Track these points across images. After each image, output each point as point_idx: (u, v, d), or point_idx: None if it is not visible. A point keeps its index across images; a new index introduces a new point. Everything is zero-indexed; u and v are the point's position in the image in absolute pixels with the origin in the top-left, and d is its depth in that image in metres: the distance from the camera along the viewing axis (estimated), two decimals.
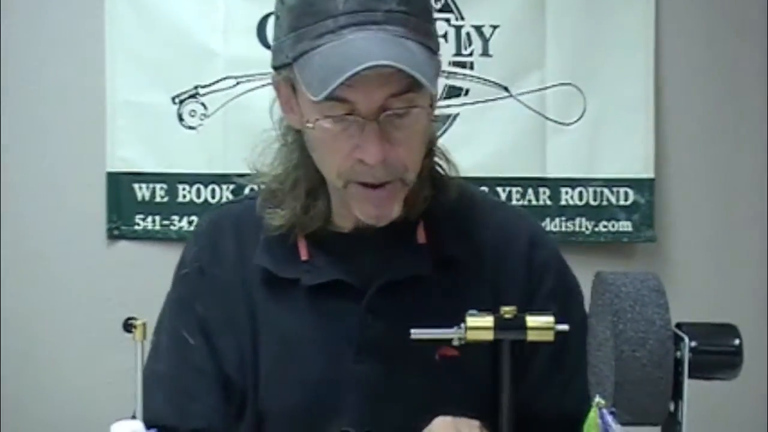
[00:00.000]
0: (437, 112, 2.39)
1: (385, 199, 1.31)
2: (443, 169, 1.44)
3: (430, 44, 1.29)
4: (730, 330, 1.12)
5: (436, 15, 2.52)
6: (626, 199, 2.58)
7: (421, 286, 1.36)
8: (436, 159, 1.44)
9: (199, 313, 1.36)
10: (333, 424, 1.31)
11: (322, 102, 1.23)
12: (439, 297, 1.36)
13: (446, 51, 2.56)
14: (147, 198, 2.54)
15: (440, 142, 1.48)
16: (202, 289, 1.40)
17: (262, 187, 1.40)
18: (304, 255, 1.37)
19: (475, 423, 1.13)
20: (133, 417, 1.12)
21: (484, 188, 2.55)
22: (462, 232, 1.41)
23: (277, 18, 1.32)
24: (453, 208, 1.42)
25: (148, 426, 1.10)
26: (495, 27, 2.57)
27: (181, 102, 2.50)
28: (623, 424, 1.07)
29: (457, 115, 2.57)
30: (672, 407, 1.09)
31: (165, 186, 2.53)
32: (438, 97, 1.40)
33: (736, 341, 1.11)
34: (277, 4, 1.31)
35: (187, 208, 2.49)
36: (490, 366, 1.33)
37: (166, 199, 2.54)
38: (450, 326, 1.28)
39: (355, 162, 1.27)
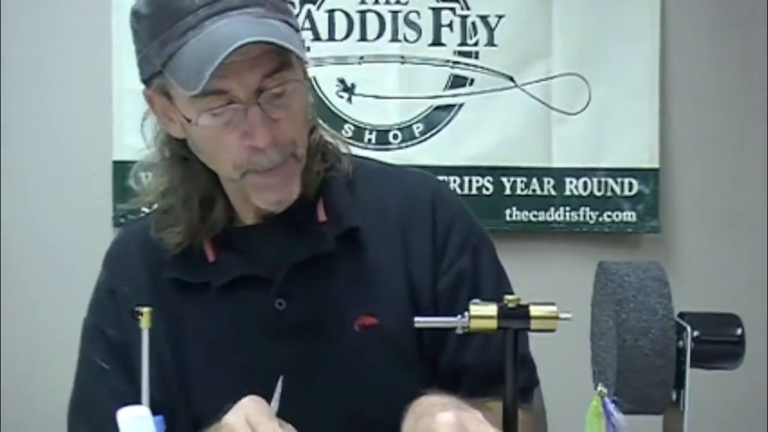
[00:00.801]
0: (444, 102, 2.43)
1: (283, 181, 1.32)
2: (332, 146, 1.45)
3: (290, 21, 1.30)
4: (733, 320, 1.12)
5: (443, 4, 2.54)
6: (631, 190, 2.58)
7: (328, 262, 1.37)
8: (323, 134, 1.44)
9: (112, 337, 1.37)
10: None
11: (200, 98, 1.24)
12: (345, 268, 1.38)
13: (451, 40, 2.56)
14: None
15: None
16: (114, 311, 1.41)
17: (153, 207, 1.42)
18: (211, 257, 1.39)
19: (480, 416, 1.14)
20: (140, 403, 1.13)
21: (489, 178, 2.56)
22: (362, 203, 1.42)
23: (135, 32, 1.34)
24: (350, 182, 1.43)
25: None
26: (500, 17, 2.57)
27: None
28: (625, 412, 1.07)
29: (462, 104, 2.57)
30: (674, 396, 1.10)
31: None
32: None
33: (739, 331, 1.11)
34: (131, 18, 1.34)
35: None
36: (413, 332, 1.34)
37: None
38: (365, 297, 1.33)
39: (248, 151, 1.28)
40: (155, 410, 1.19)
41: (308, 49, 1.36)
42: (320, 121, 1.45)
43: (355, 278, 1.38)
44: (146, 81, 1.35)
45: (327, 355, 1.19)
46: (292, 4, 1.37)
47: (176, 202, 1.38)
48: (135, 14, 1.32)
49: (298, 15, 2.39)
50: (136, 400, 1.30)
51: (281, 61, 1.26)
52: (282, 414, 1.25)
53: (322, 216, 1.40)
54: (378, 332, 1.31)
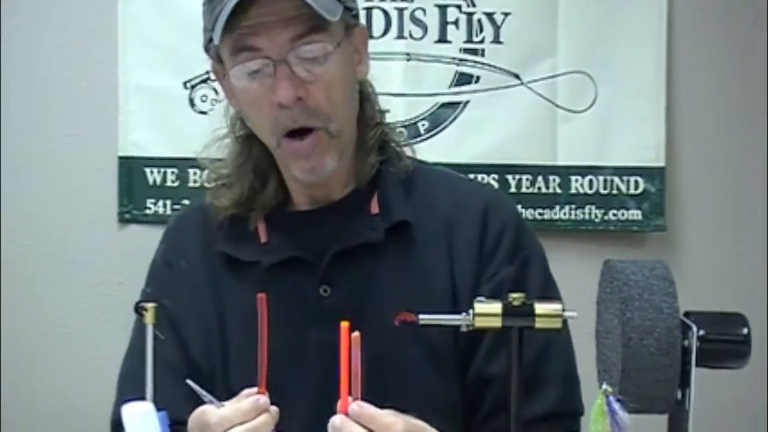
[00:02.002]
0: (449, 99, 2.41)
1: (313, 149, 1.35)
2: (395, 143, 1.48)
3: None
4: (739, 319, 1.12)
5: (449, 2, 2.54)
6: (636, 188, 2.58)
7: (374, 253, 1.39)
8: (389, 133, 1.48)
9: (167, 307, 1.38)
10: (299, 396, 1.34)
11: (236, 56, 1.31)
12: (392, 262, 1.39)
13: (457, 38, 2.56)
14: (158, 182, 2.55)
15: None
16: (169, 283, 1.45)
17: (212, 175, 1.46)
18: (263, 238, 1.43)
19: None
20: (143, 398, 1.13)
21: (494, 175, 2.56)
22: (415, 200, 1.44)
23: (203, 7, 1.37)
24: (407, 180, 1.45)
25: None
26: (506, 14, 2.57)
27: (193, 87, 2.51)
28: (630, 411, 1.07)
29: (467, 102, 2.57)
30: (679, 395, 1.10)
31: (176, 170, 2.54)
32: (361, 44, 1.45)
33: (744, 330, 1.11)
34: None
35: (198, 192, 2.48)
36: (451, 334, 1.36)
37: (177, 184, 2.55)
38: (408, 293, 1.33)
39: (276, 110, 1.32)
40: (202, 381, 1.21)
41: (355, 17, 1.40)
42: (388, 122, 1.49)
43: (400, 273, 1.39)
44: (206, 48, 1.39)
45: (363, 347, 1.18)
46: None
47: (232, 171, 1.44)
48: None
49: None
50: (187, 368, 1.38)
51: (313, 24, 1.29)
52: (309, 400, 1.30)
53: (375, 209, 1.41)
54: (416, 330, 1.29)
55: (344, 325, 1.16)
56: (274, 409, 1.19)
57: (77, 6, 2.54)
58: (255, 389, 1.20)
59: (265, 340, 1.21)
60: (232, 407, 1.17)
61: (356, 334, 1.15)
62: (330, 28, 1.31)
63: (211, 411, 1.17)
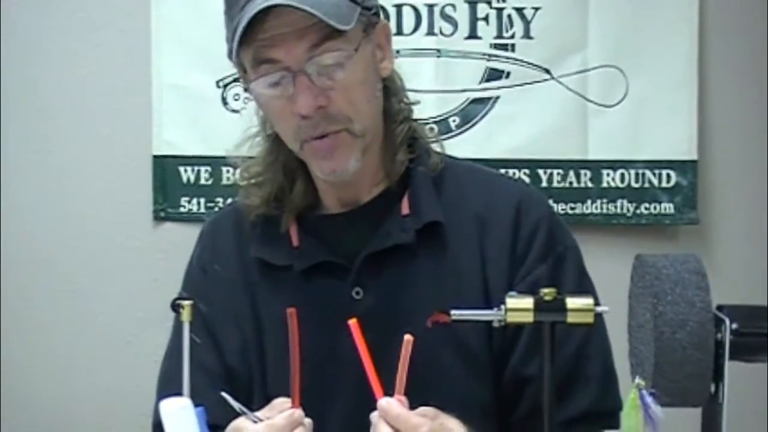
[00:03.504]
0: (480, 95, 2.41)
1: (334, 149, 1.34)
2: (423, 140, 1.47)
3: None
4: None
5: None
6: (668, 181, 2.57)
7: (406, 254, 1.38)
8: (417, 129, 1.46)
9: (203, 312, 1.38)
10: (336, 398, 1.34)
11: (257, 68, 1.31)
12: (424, 264, 1.38)
13: (487, 33, 2.56)
14: (192, 180, 2.57)
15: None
16: (205, 287, 1.44)
17: (245, 174, 1.46)
18: (295, 242, 1.42)
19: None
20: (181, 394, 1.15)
21: (526, 170, 2.55)
22: (445, 200, 1.42)
23: (225, 16, 1.37)
24: (437, 179, 1.44)
25: None
26: (536, 9, 2.56)
27: (225, 86, 2.53)
28: (663, 405, 1.07)
29: (498, 97, 2.57)
30: (713, 389, 1.09)
31: (209, 168, 2.56)
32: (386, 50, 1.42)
33: None
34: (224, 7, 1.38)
35: (230, 191, 2.49)
36: (484, 331, 1.35)
37: (210, 182, 2.56)
38: (441, 294, 1.32)
39: (298, 119, 1.31)
40: (239, 384, 1.21)
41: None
42: (417, 119, 1.47)
43: (432, 274, 1.38)
44: (229, 57, 1.38)
45: (397, 349, 1.18)
46: None
47: (262, 169, 1.44)
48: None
49: None
50: (224, 372, 1.39)
51: (329, 31, 1.27)
52: (345, 404, 1.29)
53: (405, 209, 1.40)
54: (450, 331, 1.29)
55: (352, 321, 1.18)
56: (308, 421, 1.19)
57: (111, 7, 2.56)
58: (288, 400, 1.20)
59: (297, 354, 1.22)
60: (266, 423, 1.17)
61: (409, 337, 1.16)
62: (347, 33, 1.29)
63: (246, 426, 1.18)
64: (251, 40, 1.28)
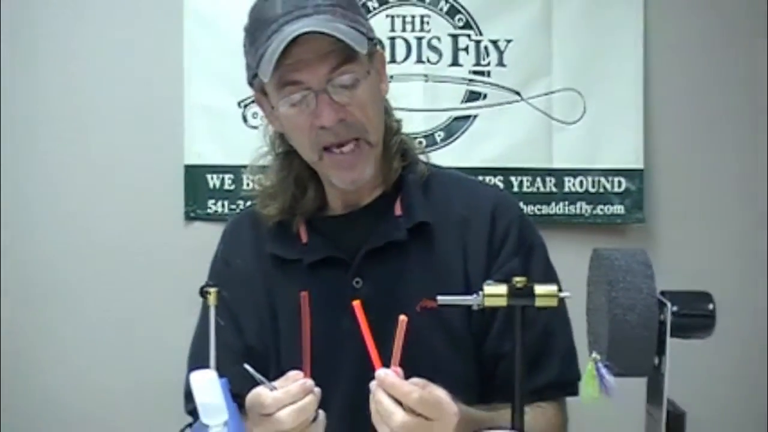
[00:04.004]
0: (461, 113, 2.41)
1: (354, 160, 1.34)
2: (412, 151, 1.47)
3: (357, 26, 1.31)
4: (706, 297, 1.12)
5: (460, 32, 2.53)
6: (620, 187, 2.57)
7: (399, 250, 1.38)
8: (407, 141, 1.46)
9: (226, 298, 1.40)
10: (340, 371, 1.35)
11: (281, 89, 1.30)
12: (414, 258, 1.38)
13: (467, 62, 2.56)
14: (217, 186, 2.56)
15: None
16: (228, 278, 1.43)
17: (258, 187, 1.46)
18: (304, 239, 1.42)
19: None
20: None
21: (500, 177, 2.55)
22: (433, 203, 1.42)
23: (244, 45, 1.37)
24: (425, 184, 1.43)
25: None
26: (509, 41, 2.56)
27: (245, 106, 2.52)
28: (616, 375, 1.07)
29: (476, 116, 2.56)
30: (656, 361, 1.10)
31: (232, 176, 2.55)
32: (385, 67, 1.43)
33: (710, 306, 1.11)
34: (243, 41, 1.36)
35: (250, 195, 2.48)
36: (465, 314, 1.35)
37: (233, 187, 2.56)
38: (429, 283, 1.32)
39: (318, 130, 1.31)
40: (256, 360, 1.22)
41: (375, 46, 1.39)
42: (407, 133, 1.48)
43: (421, 266, 1.38)
44: (250, 83, 1.38)
45: (391, 329, 1.19)
46: (364, 16, 1.38)
47: (276, 182, 1.43)
48: (244, 30, 1.36)
49: None
50: (244, 349, 1.39)
51: (346, 56, 1.28)
52: (348, 375, 1.29)
53: (398, 211, 1.40)
54: (436, 315, 1.29)
55: (356, 303, 1.18)
56: (317, 390, 1.19)
57: (150, 40, 2.55)
58: (300, 372, 1.20)
59: (308, 332, 1.22)
60: (282, 390, 1.17)
61: (403, 317, 1.16)
62: (359, 58, 1.30)
63: (265, 393, 1.17)
64: (277, 66, 1.28)
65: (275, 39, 1.26)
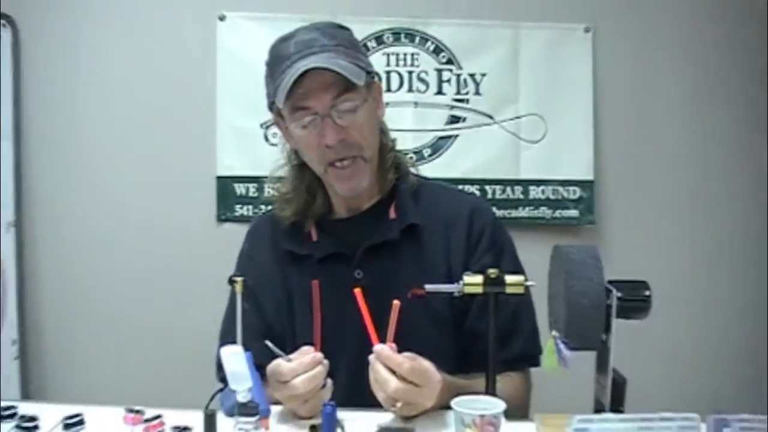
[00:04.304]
0: (445, 134, 2.37)
1: (352, 173, 1.34)
2: (404, 165, 1.46)
3: (357, 62, 1.32)
4: (644, 285, 1.12)
5: (444, 66, 2.54)
6: (575, 195, 2.57)
7: (393, 247, 1.38)
8: (400, 157, 1.46)
9: (250, 286, 1.40)
10: (344, 347, 1.33)
11: (294, 113, 1.31)
12: (406, 255, 1.38)
13: (450, 91, 2.56)
14: (243, 193, 2.56)
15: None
16: (252, 270, 1.43)
17: (276, 193, 1.45)
18: (314, 237, 1.42)
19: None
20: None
21: (477, 186, 2.56)
22: (421, 208, 1.42)
23: (265, 76, 1.37)
24: (415, 192, 1.43)
25: None
26: (483, 74, 2.56)
27: (267, 127, 2.52)
28: (571, 349, 1.07)
29: (457, 135, 2.56)
30: (604, 338, 1.10)
31: (255, 185, 2.55)
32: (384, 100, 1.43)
33: (647, 293, 1.12)
34: (264, 74, 1.37)
35: (269, 201, 2.48)
36: (448, 300, 1.34)
37: (256, 194, 2.55)
38: (418, 275, 1.32)
39: (323, 148, 1.31)
40: (275, 337, 1.21)
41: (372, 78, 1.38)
42: (400, 150, 1.47)
43: (412, 260, 1.37)
44: (269, 108, 1.38)
45: (387, 313, 1.19)
46: (363, 54, 1.39)
47: (291, 190, 1.43)
48: (265, 65, 1.37)
49: None
50: (264, 329, 1.37)
51: (346, 86, 1.29)
52: (351, 351, 1.27)
53: (393, 214, 1.40)
54: (424, 300, 1.29)
55: (357, 290, 1.18)
56: (326, 361, 1.19)
57: (188, 72, 2.54)
58: (311, 347, 1.20)
59: (318, 314, 1.21)
60: (297, 362, 1.17)
61: (397, 301, 1.16)
62: (358, 88, 1.31)
63: (283, 364, 1.18)
64: (291, 95, 1.29)
65: (288, 73, 1.28)
